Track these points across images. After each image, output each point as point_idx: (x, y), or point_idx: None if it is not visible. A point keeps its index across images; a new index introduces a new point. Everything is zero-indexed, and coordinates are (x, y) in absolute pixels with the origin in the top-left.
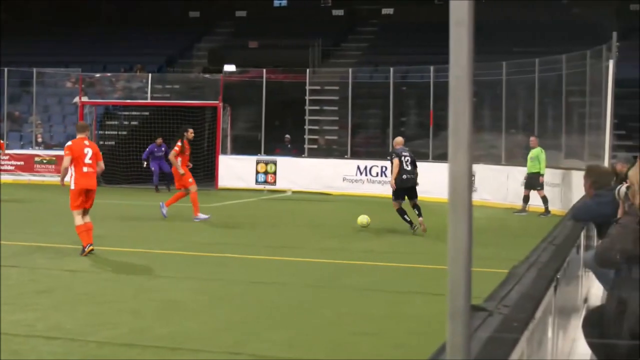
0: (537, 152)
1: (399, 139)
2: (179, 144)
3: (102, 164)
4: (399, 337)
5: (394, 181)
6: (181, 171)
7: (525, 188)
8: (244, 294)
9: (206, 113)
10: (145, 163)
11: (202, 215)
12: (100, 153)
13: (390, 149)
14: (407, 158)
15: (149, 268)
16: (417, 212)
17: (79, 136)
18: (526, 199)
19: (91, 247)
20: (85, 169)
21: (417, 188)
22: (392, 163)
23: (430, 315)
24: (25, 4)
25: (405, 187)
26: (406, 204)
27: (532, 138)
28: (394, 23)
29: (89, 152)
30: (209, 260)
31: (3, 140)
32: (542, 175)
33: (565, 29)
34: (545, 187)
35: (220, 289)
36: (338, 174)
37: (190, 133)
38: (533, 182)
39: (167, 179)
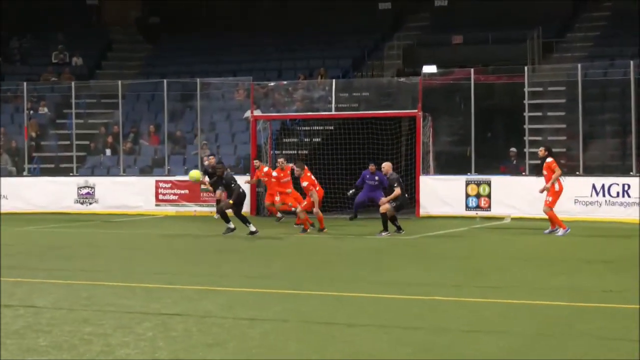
0: None
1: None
2: None
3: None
4: None
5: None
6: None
7: None
8: (454, 345)
9: (403, 125)
10: (351, 192)
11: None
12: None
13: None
14: None
15: (338, 314)
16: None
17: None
18: None
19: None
20: None
21: None
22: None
23: None
24: (183, 5)
25: None
26: None
27: None
28: (633, 5)
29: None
30: (411, 304)
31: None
32: None
33: None
34: None
35: (425, 339)
36: (568, 196)
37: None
38: None
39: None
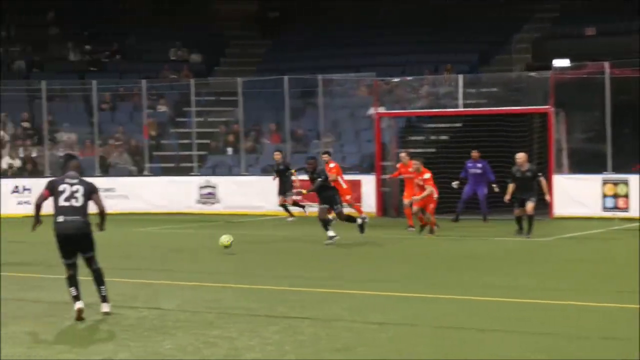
0: None
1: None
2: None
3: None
4: None
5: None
6: None
7: None
8: (588, 352)
9: (534, 121)
10: (457, 184)
11: None
12: None
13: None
14: None
15: (469, 319)
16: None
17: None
18: None
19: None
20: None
21: None
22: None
23: None
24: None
25: None
26: None
27: None
28: None
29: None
30: (544, 308)
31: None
32: None
33: None
34: None
35: (558, 346)
36: None
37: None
38: None
39: (483, 208)
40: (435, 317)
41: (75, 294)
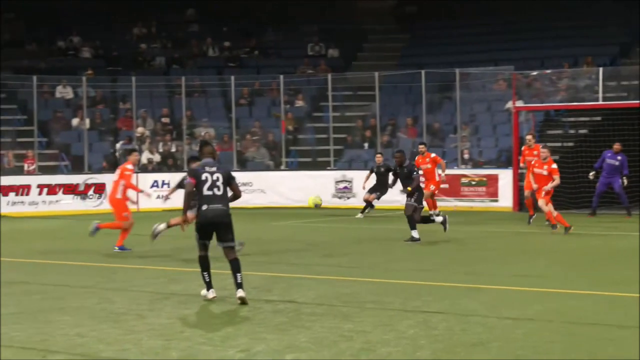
0: None
1: None
2: None
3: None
4: None
5: None
6: None
7: None
8: None
9: None
10: (593, 174)
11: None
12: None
13: None
14: None
15: (608, 315)
16: None
17: None
18: None
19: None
20: None
21: None
22: None
23: None
24: None
25: None
26: None
27: None
28: None
29: None
30: None
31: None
32: None
33: None
34: None
35: None
36: None
37: None
38: None
39: (623, 200)
40: (572, 313)
41: (207, 280)
